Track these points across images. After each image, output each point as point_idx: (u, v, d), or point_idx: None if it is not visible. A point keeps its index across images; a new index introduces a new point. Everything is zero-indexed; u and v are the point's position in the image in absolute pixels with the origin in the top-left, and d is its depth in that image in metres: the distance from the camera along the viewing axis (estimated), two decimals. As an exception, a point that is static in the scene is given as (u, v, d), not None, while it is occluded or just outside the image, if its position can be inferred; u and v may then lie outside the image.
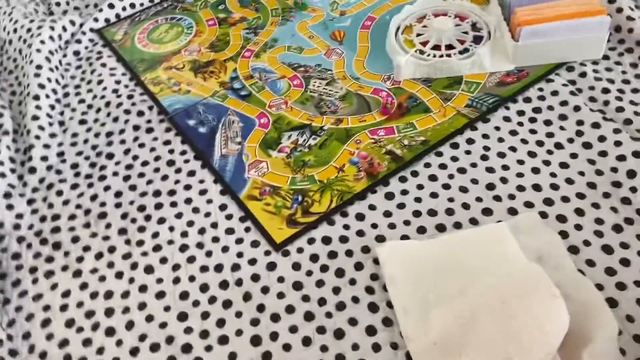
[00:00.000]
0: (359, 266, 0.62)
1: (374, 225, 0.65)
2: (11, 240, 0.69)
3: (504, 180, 0.68)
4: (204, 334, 0.58)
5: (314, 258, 0.63)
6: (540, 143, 0.71)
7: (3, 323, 0.60)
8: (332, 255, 0.63)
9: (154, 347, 0.58)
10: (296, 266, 0.63)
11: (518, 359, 0.48)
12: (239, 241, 0.66)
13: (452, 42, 0.84)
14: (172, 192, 0.72)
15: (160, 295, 0.62)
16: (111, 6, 0.98)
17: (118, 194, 0.72)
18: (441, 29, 0.83)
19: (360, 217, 0.66)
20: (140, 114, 0.82)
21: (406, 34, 0.86)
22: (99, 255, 0.66)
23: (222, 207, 0.69)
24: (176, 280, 0.63)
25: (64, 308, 0.62)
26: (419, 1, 0.91)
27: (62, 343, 0.59)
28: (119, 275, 0.64)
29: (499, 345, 0.50)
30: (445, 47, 0.83)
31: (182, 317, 0.60)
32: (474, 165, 0.70)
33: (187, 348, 0.57)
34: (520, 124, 0.74)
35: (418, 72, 0.81)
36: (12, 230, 0.70)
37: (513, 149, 0.71)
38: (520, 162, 0.69)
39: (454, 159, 0.71)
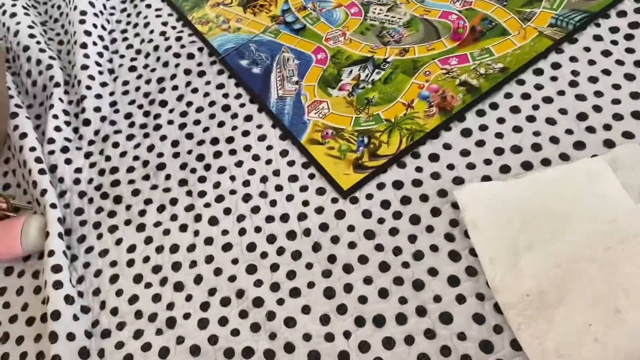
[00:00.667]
0: (435, 212, 0.57)
1: (450, 166, 0.59)
2: (73, 196, 0.67)
3: (597, 108, 0.60)
4: (275, 287, 0.56)
5: (385, 204, 0.58)
6: (638, 63, 0.62)
7: (73, 280, 0.60)
8: (405, 200, 0.58)
9: (225, 302, 0.56)
10: (366, 214, 0.58)
11: (629, 311, 0.43)
12: (304, 189, 0.62)
13: (531, -49, 0.73)
14: (230, 139, 0.68)
15: (227, 247, 0.59)
16: (150, -59, 0.92)
17: (175, 144, 0.69)
18: (517, -63, 0.73)
19: (434, 157, 0.60)
20: (191, 56, 0.77)
21: (476, -53, 0.76)
22: (161, 208, 0.64)
23: (283, 153, 0.65)
24: (242, 232, 0.60)
25: (130, 263, 0.61)
26: None
27: (132, 299, 0.58)
28: (183, 228, 0.62)
29: (604, 297, 0.44)
30: (522, -41, 0.73)
31: (251, 269, 0.57)
32: (561, 93, 0.62)
33: (258, 302, 0.55)
34: (614, 42, 0.64)
35: (492, -10, 0.72)
36: (73, 185, 0.68)
37: (607, 72, 0.62)
38: (616, 86, 0.61)
39: (538, 87, 0.63)
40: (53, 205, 0.63)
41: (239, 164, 0.65)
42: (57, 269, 0.58)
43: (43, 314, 0.59)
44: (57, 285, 0.57)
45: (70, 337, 0.55)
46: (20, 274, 0.63)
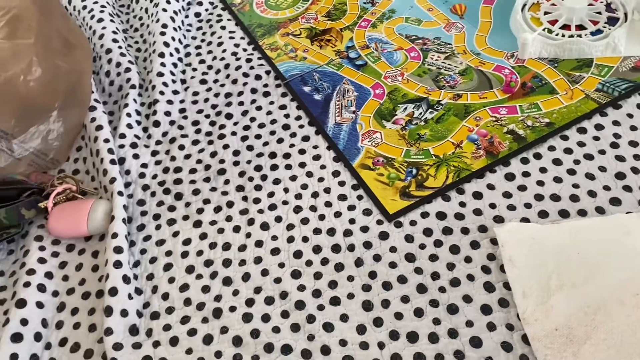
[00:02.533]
0: (475, 244, 0.61)
1: (492, 205, 0.64)
2: (137, 188, 0.73)
3: (635, 170, 0.64)
4: (317, 293, 0.60)
5: (428, 232, 0.63)
6: (678, 135, 0.66)
7: (130, 263, 0.64)
8: (447, 231, 0.62)
9: (269, 300, 0.60)
10: (409, 238, 0.63)
11: (652, 355, 0.46)
12: (351, 208, 0.66)
13: (584, 22, 0.79)
14: (286, 155, 0.73)
15: (275, 251, 0.64)
16: (232, -29, 1.00)
17: (236, 153, 0.75)
18: (573, 8, 0.79)
19: (477, 195, 0.65)
20: (258, 77, 0.84)
21: (533, 11, 0.82)
22: (218, 209, 0.69)
23: (335, 174, 0.70)
24: (290, 239, 0.65)
25: (184, 255, 0.65)
26: (548, -23, 0.86)
27: (183, 287, 0.62)
28: (236, 229, 0.67)
29: (630, 338, 0.47)
30: (575, 27, 0.79)
31: (296, 274, 0.62)
32: (602, 152, 0.66)
33: (300, 304, 0.59)
34: (656, 112, 0.69)
35: (545, 52, 0.77)
36: (138, 178, 0.74)
37: (647, 138, 0.66)
38: (655, 153, 0.65)
39: (581, 144, 0.67)
40: (120, 193, 0.69)
41: (293, 178, 0.71)
42: (118, 250, 0.63)
43: (98, 290, 0.64)
44: (117, 265, 0.62)
45: (124, 313, 0.59)
46: (81, 252, 0.68)
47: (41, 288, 0.63)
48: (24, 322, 0.60)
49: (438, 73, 0.78)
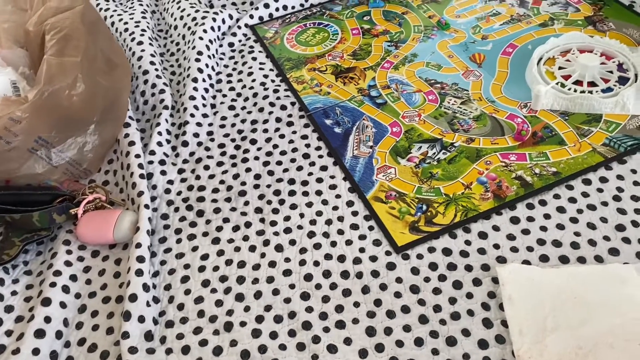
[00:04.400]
0: (477, 282, 0.64)
1: (496, 246, 0.67)
2: (161, 202, 0.77)
3: (635, 223, 0.67)
4: (323, 316, 0.63)
5: (433, 266, 0.66)
6: (679, 193, 0.69)
7: (150, 272, 0.68)
8: (452, 267, 0.66)
9: (278, 319, 0.63)
10: (415, 270, 0.66)
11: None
12: (362, 237, 0.70)
13: (596, 79, 0.83)
14: (304, 183, 0.77)
15: (286, 273, 0.67)
16: (266, 6, 1.07)
17: (257, 177, 0.79)
18: (586, 65, 0.83)
19: (483, 235, 0.68)
20: (283, 107, 0.89)
21: (548, 66, 0.87)
22: (236, 228, 0.73)
23: (349, 204, 0.74)
24: (302, 262, 0.68)
25: (201, 269, 0.69)
26: (564, 35, 0.91)
27: (198, 299, 0.66)
28: (252, 248, 0.70)
29: (618, 382, 0.50)
30: (587, 84, 0.83)
31: (305, 296, 0.65)
32: (604, 204, 0.69)
33: (307, 325, 0.62)
34: (660, 170, 0.72)
35: (557, 104, 0.81)
36: (163, 193, 0.79)
37: (649, 194, 0.70)
38: (656, 208, 0.68)
39: (585, 194, 0.71)
40: (146, 206, 0.73)
41: (309, 204, 0.75)
42: (140, 259, 0.67)
43: (118, 295, 0.68)
44: (139, 273, 0.66)
45: (141, 319, 0.63)
46: (105, 258, 0.72)
47: (65, 289, 0.68)
48: (47, 319, 0.64)
49: (453, 117, 0.83)
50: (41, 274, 0.70)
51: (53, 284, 0.67)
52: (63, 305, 0.66)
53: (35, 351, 0.61)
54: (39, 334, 0.62)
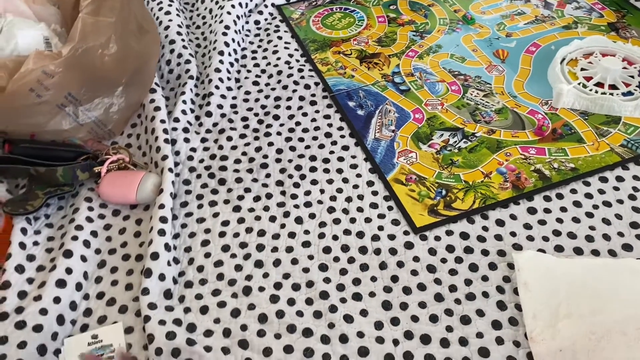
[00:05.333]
0: (492, 266, 0.65)
1: (513, 234, 0.68)
2: (184, 168, 0.78)
3: (649, 223, 0.69)
4: (341, 287, 0.64)
5: (450, 248, 0.67)
6: (692, 197, 0.71)
7: (171, 234, 0.69)
8: (468, 250, 0.67)
9: (295, 287, 0.64)
10: (432, 251, 0.67)
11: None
12: (381, 216, 0.71)
13: (617, 82, 0.85)
14: (326, 160, 0.78)
15: (305, 244, 0.69)
16: (294, -13, 1.08)
17: (279, 151, 0.80)
18: (608, 68, 0.85)
19: (500, 222, 0.69)
20: (307, 87, 0.90)
21: (570, 66, 0.88)
22: (257, 198, 0.74)
23: (370, 183, 0.75)
24: (321, 236, 0.69)
25: (222, 234, 0.70)
26: (588, 38, 0.92)
27: (217, 263, 0.67)
28: (272, 219, 0.71)
29: (629, 367, 0.52)
30: (608, 86, 0.84)
31: (323, 267, 0.66)
32: (620, 201, 0.71)
33: (324, 295, 0.63)
34: (674, 174, 0.74)
35: (577, 104, 0.83)
36: (186, 160, 0.79)
37: (663, 196, 0.71)
38: (669, 210, 0.70)
39: (601, 191, 0.72)
40: (170, 170, 0.74)
41: (330, 181, 0.76)
42: (163, 220, 0.68)
43: (138, 254, 0.68)
44: (161, 233, 0.67)
45: (161, 277, 0.64)
46: (126, 218, 0.73)
47: (86, 244, 0.68)
48: (69, 271, 0.64)
49: (476, 108, 0.84)
50: (62, 227, 0.71)
51: (74, 238, 0.68)
52: (83, 258, 0.67)
53: (56, 299, 0.62)
54: (60, 283, 0.63)
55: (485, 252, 0.67)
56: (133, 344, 0.60)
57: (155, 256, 0.65)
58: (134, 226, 0.72)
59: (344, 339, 0.60)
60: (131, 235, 0.71)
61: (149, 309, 0.61)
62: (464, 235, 0.68)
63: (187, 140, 0.82)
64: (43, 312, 0.60)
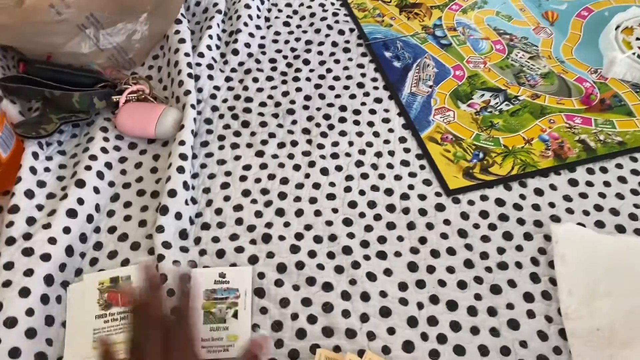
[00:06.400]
0: (528, 236, 0.61)
1: (552, 205, 0.64)
2: (206, 107, 0.74)
3: (697, 206, 0.64)
4: (365, 244, 0.61)
5: (484, 214, 0.63)
6: None
7: (190, 172, 0.65)
8: (503, 217, 0.63)
9: (317, 239, 0.61)
10: (464, 215, 0.63)
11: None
12: (412, 175, 0.67)
13: (674, 56, 0.79)
14: (356, 112, 0.74)
15: (330, 196, 0.65)
16: None
17: (307, 98, 0.75)
18: (667, 40, 0.79)
19: (539, 192, 0.65)
20: (341, 32, 0.84)
21: (625, 34, 0.82)
22: (282, 145, 0.70)
23: (402, 140, 0.71)
24: (347, 189, 0.65)
25: (242, 178, 0.66)
26: (647, 6, 0.86)
27: (237, 207, 0.64)
28: (297, 167, 0.67)
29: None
30: (664, 59, 0.79)
31: (347, 222, 0.62)
32: (668, 181, 0.67)
33: (347, 250, 0.60)
34: None
35: (629, 75, 0.77)
36: (209, 98, 0.75)
37: None
38: None
39: (649, 169, 0.68)
40: (192, 106, 0.70)
41: (360, 134, 0.71)
42: (183, 157, 0.64)
43: (154, 191, 0.65)
44: (180, 170, 0.63)
45: (178, 216, 0.60)
46: (142, 152, 0.69)
47: (100, 175, 0.65)
48: (80, 201, 0.61)
49: (520, 70, 0.79)
50: (75, 156, 0.67)
51: (88, 168, 0.64)
52: (96, 190, 0.63)
53: (66, 229, 0.58)
54: (71, 213, 0.60)
55: (521, 221, 0.63)
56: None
57: (172, 193, 0.61)
58: (151, 161, 0.68)
59: (365, 297, 0.57)
60: (147, 170, 0.67)
61: (164, 248, 0.58)
62: (500, 202, 0.64)
63: (210, 77, 0.77)
64: (52, 241, 0.57)
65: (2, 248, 0.56)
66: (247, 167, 0.67)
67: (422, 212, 0.64)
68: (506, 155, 0.68)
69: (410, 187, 0.66)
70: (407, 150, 0.70)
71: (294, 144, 0.70)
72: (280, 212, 0.63)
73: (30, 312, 0.52)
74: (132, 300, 0.47)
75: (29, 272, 0.54)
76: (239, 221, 0.62)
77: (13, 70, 0.74)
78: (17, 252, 0.56)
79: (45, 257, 0.56)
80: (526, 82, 0.77)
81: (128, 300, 0.53)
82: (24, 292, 0.53)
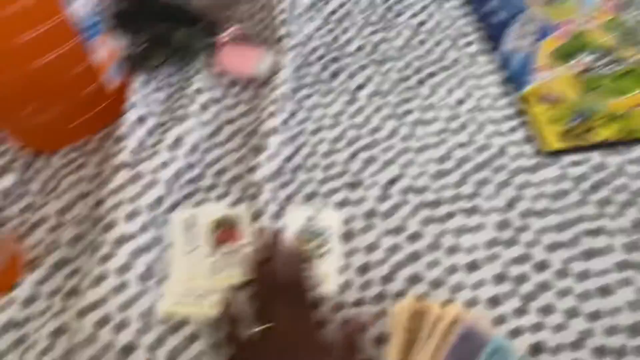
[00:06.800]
0: (626, 204, 0.59)
1: (659, 176, 0.61)
2: (303, 49, 0.74)
3: None
4: (455, 198, 0.61)
5: (582, 178, 0.61)
6: None
7: (287, 114, 0.67)
8: (602, 183, 0.61)
9: (406, 190, 0.61)
10: (561, 178, 0.61)
11: None
12: (509, 133, 0.66)
13: None
14: (452, 64, 0.72)
15: (421, 149, 0.64)
16: None
17: (400, 48, 0.74)
18: None
19: (641, 160, 0.62)
20: (439, -18, 0.81)
21: None
22: (375, 94, 0.70)
23: (499, 96, 0.69)
24: (440, 142, 0.65)
25: (334, 125, 0.67)
26: None
27: (327, 153, 0.65)
28: (388, 117, 0.67)
29: None
30: None
31: (439, 175, 0.62)
32: None
33: (436, 203, 0.60)
34: None
35: None
36: (305, 39, 0.75)
37: None
38: None
39: None
40: (291, 48, 0.71)
41: (450, 91, 0.70)
42: (281, 97, 0.66)
43: (251, 130, 0.67)
44: (277, 111, 0.65)
45: (272, 156, 0.62)
46: (241, 91, 0.71)
47: (204, 108, 0.67)
48: (186, 132, 0.64)
49: (633, 30, 0.73)
50: (181, 90, 0.69)
51: (192, 101, 0.67)
52: (199, 124, 0.66)
53: (172, 158, 0.62)
54: (177, 144, 0.63)
55: (621, 188, 0.60)
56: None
57: (268, 133, 0.63)
58: (250, 101, 0.70)
59: (453, 249, 0.57)
60: (246, 108, 0.69)
61: (264, 182, 0.60)
62: (599, 167, 0.62)
63: (310, 19, 0.77)
64: (159, 167, 0.60)
65: (112, 174, 0.60)
66: (339, 114, 0.68)
67: (517, 170, 0.62)
68: (611, 119, 0.65)
69: (506, 144, 0.65)
70: (503, 107, 0.68)
71: (387, 93, 0.70)
72: (370, 160, 0.64)
73: (137, 233, 0.56)
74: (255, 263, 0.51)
75: (135, 197, 0.58)
76: (329, 166, 0.64)
77: (124, 4, 0.77)
78: (126, 178, 0.59)
79: (150, 184, 0.59)
80: (638, 44, 0.72)
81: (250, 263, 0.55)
82: (131, 215, 0.57)
